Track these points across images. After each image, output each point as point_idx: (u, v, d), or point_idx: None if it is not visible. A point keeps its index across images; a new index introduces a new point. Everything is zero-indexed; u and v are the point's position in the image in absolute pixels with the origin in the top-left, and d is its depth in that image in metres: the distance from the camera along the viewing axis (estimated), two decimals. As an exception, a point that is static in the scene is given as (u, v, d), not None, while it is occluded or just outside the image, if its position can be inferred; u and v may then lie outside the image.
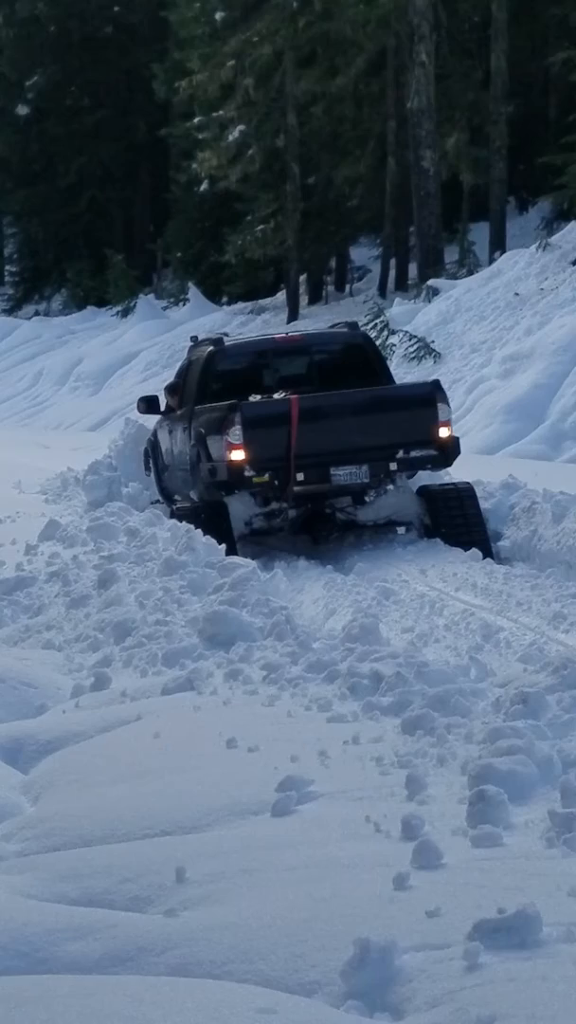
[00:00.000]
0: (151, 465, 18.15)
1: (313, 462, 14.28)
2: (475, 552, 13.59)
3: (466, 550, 13.64)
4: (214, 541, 12.78)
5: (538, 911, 4.64)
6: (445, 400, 14.84)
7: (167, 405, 17.26)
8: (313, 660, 8.84)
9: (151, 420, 18.18)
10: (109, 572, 11.73)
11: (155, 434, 17.89)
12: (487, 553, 13.75)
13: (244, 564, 11.43)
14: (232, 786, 6.58)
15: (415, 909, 4.89)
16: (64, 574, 12.15)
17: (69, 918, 5.22)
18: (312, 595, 12.27)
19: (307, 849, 5.66)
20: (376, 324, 28.15)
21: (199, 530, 13.14)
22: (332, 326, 18.14)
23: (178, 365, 18.50)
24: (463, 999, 4.31)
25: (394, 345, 27.36)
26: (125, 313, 44.93)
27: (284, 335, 17.48)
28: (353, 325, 17.10)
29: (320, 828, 5.91)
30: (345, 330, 16.78)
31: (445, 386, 15.94)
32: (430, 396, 14.74)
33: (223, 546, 12.81)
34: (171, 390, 17.20)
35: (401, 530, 14.97)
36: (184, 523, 14.09)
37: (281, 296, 41.68)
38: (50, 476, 20.45)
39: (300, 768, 6.63)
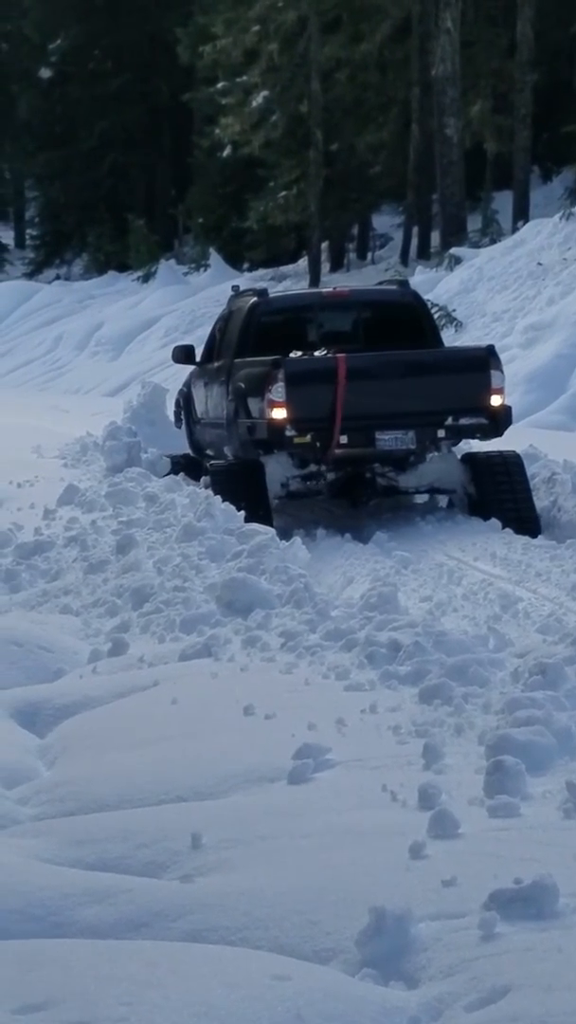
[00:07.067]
0: (183, 418, 17.53)
1: (358, 425, 13.56)
2: (494, 522, 13.24)
3: (516, 530, 13.02)
4: (233, 508, 12.52)
5: (555, 881, 4.63)
6: (499, 367, 14.08)
7: (203, 355, 16.58)
8: (331, 628, 8.83)
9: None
10: (127, 537, 11.73)
11: (188, 385, 17.25)
12: (535, 531, 13.14)
13: (263, 531, 11.41)
14: (249, 753, 6.57)
15: (431, 878, 4.88)
16: (82, 539, 12.15)
17: (84, 883, 5.22)
18: (331, 563, 12.25)
19: (323, 817, 5.66)
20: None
21: (218, 496, 13.04)
22: (380, 283, 17.62)
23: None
24: (478, 968, 4.30)
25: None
26: (146, 278, 44.83)
27: (331, 289, 16.73)
28: (404, 283, 16.64)
29: (337, 796, 5.91)
30: (395, 288, 16.27)
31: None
32: (484, 361, 13.99)
33: (242, 512, 12.47)
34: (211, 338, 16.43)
35: (443, 501, 14.49)
36: (204, 488, 14.04)
37: (302, 263, 41.54)
38: (69, 441, 20.42)
39: (317, 736, 6.63)
